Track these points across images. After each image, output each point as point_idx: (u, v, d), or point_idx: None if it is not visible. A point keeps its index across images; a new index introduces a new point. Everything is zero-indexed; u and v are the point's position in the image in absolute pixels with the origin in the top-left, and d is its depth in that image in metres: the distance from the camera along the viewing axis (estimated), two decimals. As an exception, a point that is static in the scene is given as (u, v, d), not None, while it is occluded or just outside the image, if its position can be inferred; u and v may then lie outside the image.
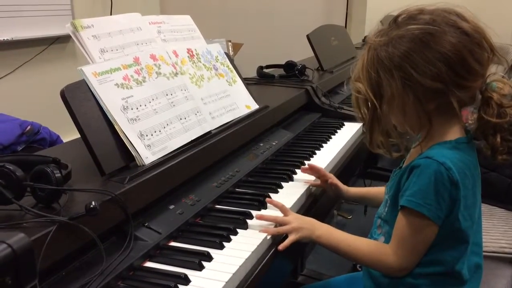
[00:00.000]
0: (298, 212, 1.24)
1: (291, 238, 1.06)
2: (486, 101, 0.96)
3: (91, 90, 1.07)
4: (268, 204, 1.20)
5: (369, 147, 1.05)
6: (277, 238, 1.08)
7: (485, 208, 1.89)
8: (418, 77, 0.92)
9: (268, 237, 1.06)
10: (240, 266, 0.94)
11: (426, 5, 0.97)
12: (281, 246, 1.05)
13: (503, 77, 0.98)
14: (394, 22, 0.98)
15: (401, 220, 0.97)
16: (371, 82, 0.98)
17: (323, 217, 1.44)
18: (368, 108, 1.00)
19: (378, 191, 1.28)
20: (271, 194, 1.27)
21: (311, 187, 1.35)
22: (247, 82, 1.70)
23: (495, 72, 0.97)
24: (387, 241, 1.03)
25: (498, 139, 0.96)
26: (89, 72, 1.08)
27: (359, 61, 1.01)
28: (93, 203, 0.85)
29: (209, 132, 1.34)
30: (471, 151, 1.01)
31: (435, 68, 0.91)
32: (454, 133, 0.98)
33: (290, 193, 1.30)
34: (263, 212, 1.17)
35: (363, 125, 1.06)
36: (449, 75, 0.91)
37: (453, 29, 0.92)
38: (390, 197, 1.05)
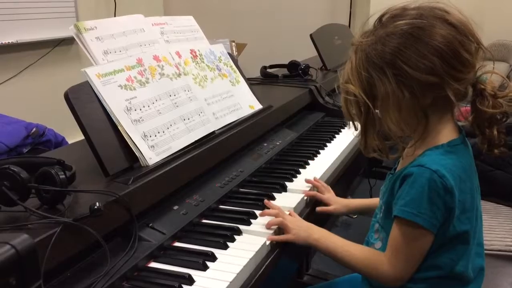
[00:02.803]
0: (302, 211, 1.24)
1: (285, 236, 1.07)
2: (480, 92, 0.95)
3: (94, 92, 1.08)
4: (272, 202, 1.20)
5: (363, 152, 1.02)
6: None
7: (490, 206, 1.88)
8: (411, 72, 0.91)
9: (272, 232, 1.06)
10: (244, 266, 0.94)
11: (408, 3, 0.97)
12: (270, 238, 1.05)
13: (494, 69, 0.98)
14: (379, 21, 0.97)
15: (395, 230, 0.96)
16: (362, 83, 0.96)
17: (327, 217, 1.44)
18: (359, 111, 0.98)
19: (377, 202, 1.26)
20: (275, 194, 1.27)
21: (314, 189, 1.34)
22: (250, 82, 1.70)
23: (484, 64, 0.96)
24: (384, 246, 1.02)
25: (495, 132, 0.95)
26: (92, 73, 1.09)
27: (347, 64, 1.00)
28: (97, 204, 0.86)
29: (213, 132, 1.34)
30: (466, 151, 0.99)
31: (429, 61, 0.90)
32: (448, 133, 0.97)
33: (294, 193, 1.30)
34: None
35: (354, 128, 1.03)
36: (443, 68, 0.90)
37: (441, 21, 0.92)
38: (384, 203, 1.03)
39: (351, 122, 1.03)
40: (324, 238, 1.07)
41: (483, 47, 0.95)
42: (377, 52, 0.94)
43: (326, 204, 1.31)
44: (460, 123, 1.01)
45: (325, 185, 1.36)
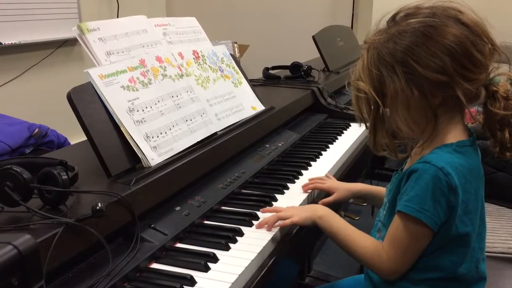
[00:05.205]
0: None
1: (292, 219, 1.07)
2: (492, 94, 0.95)
3: (97, 93, 1.08)
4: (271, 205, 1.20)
5: (373, 150, 1.03)
6: (284, 239, 1.08)
7: (493, 208, 1.88)
8: (422, 71, 0.91)
9: (274, 234, 1.06)
10: (246, 267, 0.94)
11: (423, 2, 0.97)
12: (281, 223, 1.06)
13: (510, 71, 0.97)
14: (393, 20, 0.98)
15: (396, 223, 0.96)
16: (372, 80, 0.96)
17: (335, 209, 1.44)
18: (369, 108, 0.99)
19: (381, 190, 1.27)
20: (276, 195, 1.27)
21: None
22: (253, 83, 1.70)
23: (498, 66, 0.96)
24: None
25: (507, 134, 0.95)
26: (95, 74, 1.09)
27: (359, 62, 1.00)
28: (99, 204, 0.86)
29: (215, 133, 1.34)
30: (474, 154, 0.99)
31: (440, 60, 0.90)
32: (457, 135, 0.97)
33: (296, 194, 1.30)
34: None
35: (365, 126, 1.04)
36: (454, 67, 0.90)
37: (454, 21, 0.92)
38: (389, 200, 1.03)
39: (360, 120, 1.03)
40: (328, 217, 1.08)
41: (498, 49, 0.94)
42: (388, 50, 0.94)
43: (329, 195, 1.31)
44: (469, 125, 1.01)
45: (321, 177, 1.36)
